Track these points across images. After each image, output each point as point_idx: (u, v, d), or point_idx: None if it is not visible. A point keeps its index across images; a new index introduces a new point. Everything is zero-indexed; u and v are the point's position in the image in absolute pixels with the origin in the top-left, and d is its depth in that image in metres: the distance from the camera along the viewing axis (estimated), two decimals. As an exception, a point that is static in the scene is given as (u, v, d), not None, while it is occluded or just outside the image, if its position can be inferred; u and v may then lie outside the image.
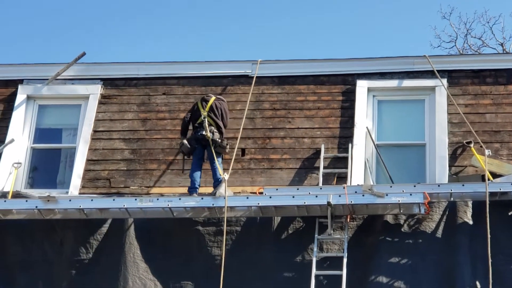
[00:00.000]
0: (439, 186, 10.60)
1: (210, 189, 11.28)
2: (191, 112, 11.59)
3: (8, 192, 11.74)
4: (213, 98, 11.53)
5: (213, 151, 11.16)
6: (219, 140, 11.22)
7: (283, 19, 32.73)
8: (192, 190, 11.22)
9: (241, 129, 11.73)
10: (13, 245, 11.30)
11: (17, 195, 11.68)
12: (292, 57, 14.63)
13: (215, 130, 11.26)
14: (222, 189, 10.84)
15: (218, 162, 11.21)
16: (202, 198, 10.77)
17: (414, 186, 10.50)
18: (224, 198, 10.63)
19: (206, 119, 11.23)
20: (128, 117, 12.48)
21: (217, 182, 11.14)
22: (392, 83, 12.09)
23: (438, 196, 10.54)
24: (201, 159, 11.38)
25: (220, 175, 11.07)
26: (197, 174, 11.29)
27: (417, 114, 11.95)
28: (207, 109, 11.34)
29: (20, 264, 11.18)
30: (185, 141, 11.29)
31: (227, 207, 10.64)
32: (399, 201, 10.24)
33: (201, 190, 11.36)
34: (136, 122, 12.43)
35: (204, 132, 11.18)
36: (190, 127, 11.54)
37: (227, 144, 11.32)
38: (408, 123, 12.01)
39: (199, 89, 12.51)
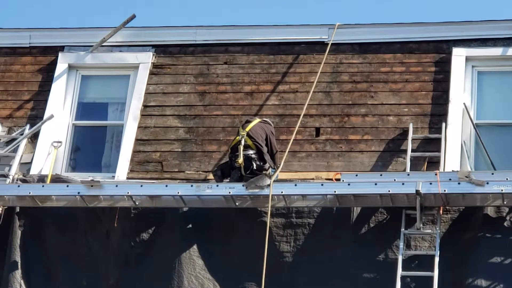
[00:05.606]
0: (549, 174, 10.40)
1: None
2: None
3: (46, 176, 11.84)
4: (258, 120, 11.39)
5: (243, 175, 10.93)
6: (255, 165, 10.90)
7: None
8: None
9: (306, 103, 11.63)
10: (54, 236, 11.49)
11: (56, 179, 11.76)
12: (376, 21, 14.39)
13: (253, 155, 10.98)
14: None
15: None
16: (268, 186, 10.64)
17: (520, 173, 10.36)
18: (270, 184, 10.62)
19: (243, 140, 11.01)
20: (184, 90, 12.48)
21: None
22: (495, 51, 11.95)
23: (548, 186, 10.30)
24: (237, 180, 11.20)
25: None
26: None
27: (525, 88, 11.99)
28: (247, 129, 11.15)
29: (61, 258, 11.40)
30: (218, 172, 11.19)
31: (301, 195, 10.71)
32: (502, 190, 10.09)
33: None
34: (193, 95, 12.42)
35: (237, 155, 10.93)
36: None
37: (269, 167, 11.07)
38: (514, 99, 12.03)
39: (266, 58, 12.55)
